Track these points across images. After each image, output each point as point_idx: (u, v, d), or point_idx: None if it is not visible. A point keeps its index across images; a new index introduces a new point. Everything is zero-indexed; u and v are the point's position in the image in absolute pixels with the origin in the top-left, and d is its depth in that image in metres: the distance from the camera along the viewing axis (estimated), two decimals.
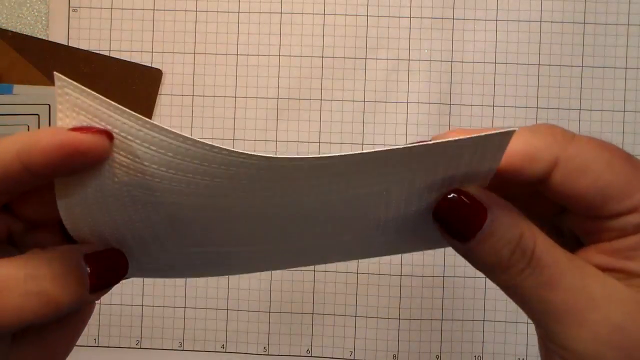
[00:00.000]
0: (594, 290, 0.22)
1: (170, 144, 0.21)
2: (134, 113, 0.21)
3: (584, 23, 0.47)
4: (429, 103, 0.47)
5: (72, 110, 0.22)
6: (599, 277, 0.22)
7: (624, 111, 0.47)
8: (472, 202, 0.23)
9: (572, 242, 0.25)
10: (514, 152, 0.22)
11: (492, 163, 0.22)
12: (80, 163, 0.22)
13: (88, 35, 0.48)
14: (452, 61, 0.47)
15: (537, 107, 0.47)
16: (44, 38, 0.48)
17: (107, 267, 0.24)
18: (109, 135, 0.22)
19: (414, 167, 0.22)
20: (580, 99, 0.47)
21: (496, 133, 0.21)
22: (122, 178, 0.22)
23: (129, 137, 0.21)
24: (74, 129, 0.22)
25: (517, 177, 0.23)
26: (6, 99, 0.46)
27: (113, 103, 0.21)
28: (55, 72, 0.22)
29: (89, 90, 0.22)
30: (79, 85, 0.22)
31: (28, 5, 0.48)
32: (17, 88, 0.47)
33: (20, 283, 0.22)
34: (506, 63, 0.47)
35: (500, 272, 0.23)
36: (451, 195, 0.23)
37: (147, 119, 0.21)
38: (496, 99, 0.47)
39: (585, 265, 0.23)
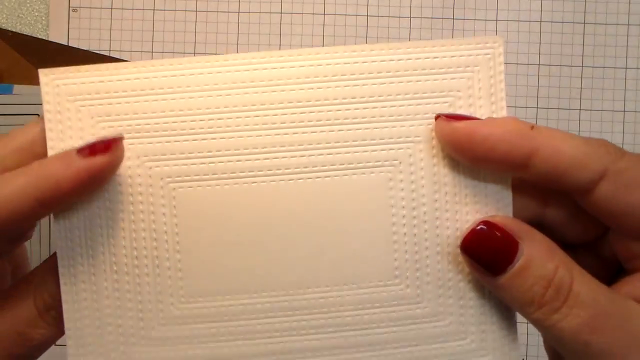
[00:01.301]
0: (637, 330, 0.21)
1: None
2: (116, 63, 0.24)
3: (584, 23, 0.47)
4: None
5: (59, 102, 0.23)
6: None
7: (624, 111, 0.47)
8: (503, 234, 0.22)
9: (612, 266, 0.24)
10: (562, 153, 0.21)
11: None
12: (98, 184, 0.22)
13: (88, 35, 0.48)
14: None
15: (537, 107, 0.47)
16: (44, 38, 0.48)
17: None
18: (117, 143, 0.22)
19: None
20: (580, 99, 0.47)
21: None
22: None
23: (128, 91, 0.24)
24: (84, 151, 0.22)
25: (562, 182, 0.22)
26: (6, 99, 0.46)
27: (96, 67, 0.24)
28: (39, 69, 0.24)
29: (72, 68, 0.24)
30: (62, 68, 0.24)
31: (28, 5, 0.48)
32: (17, 88, 0.47)
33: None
34: (506, 63, 0.47)
35: (533, 310, 0.22)
36: (479, 227, 0.22)
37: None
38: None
39: (626, 302, 0.21)
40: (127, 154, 0.24)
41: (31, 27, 0.48)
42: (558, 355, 0.23)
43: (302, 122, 0.24)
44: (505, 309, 0.24)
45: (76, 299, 0.24)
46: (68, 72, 0.24)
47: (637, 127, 0.47)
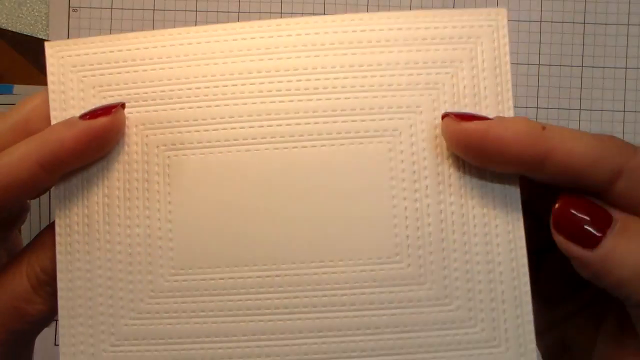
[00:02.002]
0: None
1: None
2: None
3: (584, 23, 0.47)
4: None
5: (63, 73, 0.24)
6: None
7: (624, 111, 0.47)
8: (590, 204, 0.21)
9: None
10: (577, 154, 0.21)
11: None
12: (103, 146, 0.23)
13: (88, 35, 0.48)
14: None
15: (537, 107, 0.47)
16: (44, 38, 0.48)
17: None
18: (117, 108, 0.23)
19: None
20: (580, 99, 0.47)
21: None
22: None
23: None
24: (85, 116, 0.22)
25: (578, 182, 0.21)
26: (6, 99, 0.46)
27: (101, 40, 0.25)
28: (46, 42, 0.24)
29: (77, 40, 0.24)
30: (68, 40, 0.24)
31: (28, 5, 0.48)
32: (17, 88, 0.47)
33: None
34: None
35: None
36: (560, 203, 0.21)
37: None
38: None
39: None
40: (126, 122, 0.24)
41: (31, 27, 0.48)
42: (553, 352, 0.23)
43: (299, 90, 0.24)
44: (519, 294, 0.23)
45: (70, 269, 0.24)
46: (72, 44, 0.25)
47: (637, 127, 0.47)
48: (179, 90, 0.24)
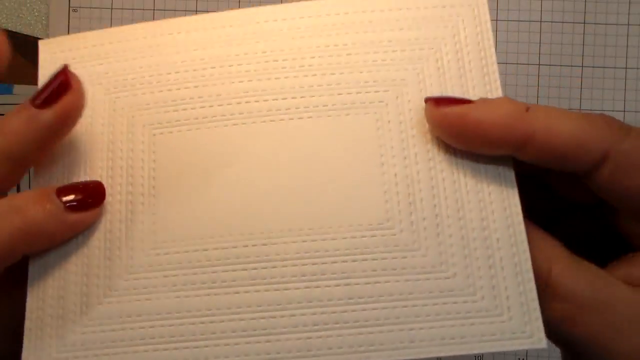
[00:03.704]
0: (622, 318, 0.20)
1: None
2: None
3: (584, 23, 0.47)
4: None
5: (53, 70, 0.23)
6: (630, 301, 0.20)
7: (624, 111, 0.47)
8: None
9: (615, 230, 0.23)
10: (560, 135, 0.20)
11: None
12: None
13: None
14: None
15: None
16: (43, 38, 0.48)
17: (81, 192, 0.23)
18: (69, 85, 0.23)
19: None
20: (580, 99, 0.47)
21: None
22: None
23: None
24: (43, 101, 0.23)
25: (562, 165, 0.21)
26: (6, 99, 0.46)
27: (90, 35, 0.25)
28: (39, 40, 0.26)
29: (68, 37, 0.25)
30: (59, 38, 0.25)
31: (28, 5, 0.48)
32: (17, 88, 0.47)
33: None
34: (506, 63, 0.47)
35: None
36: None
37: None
38: None
39: (611, 288, 0.21)
40: (112, 106, 0.24)
41: (31, 27, 0.48)
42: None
43: (285, 68, 0.24)
44: (518, 260, 0.22)
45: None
46: (63, 41, 0.26)
47: None
48: (167, 74, 0.25)
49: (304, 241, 0.22)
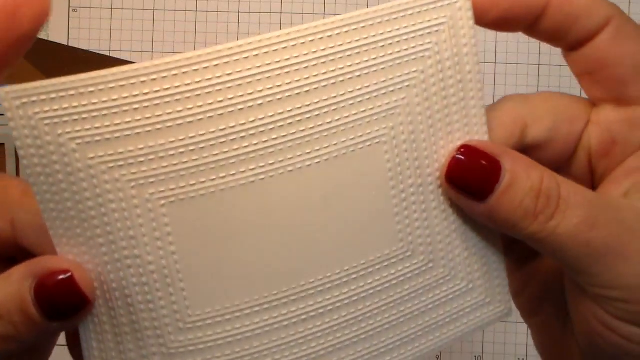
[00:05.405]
0: (631, 221, 0.21)
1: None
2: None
3: None
4: None
5: (30, 134, 0.20)
6: (632, 207, 0.22)
7: None
8: (483, 155, 0.22)
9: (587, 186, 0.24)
10: (575, 1, 0.22)
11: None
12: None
13: (88, 35, 0.48)
14: None
15: None
16: (44, 38, 0.48)
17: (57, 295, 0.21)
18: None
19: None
20: None
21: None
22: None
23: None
24: None
25: (572, 29, 0.23)
26: None
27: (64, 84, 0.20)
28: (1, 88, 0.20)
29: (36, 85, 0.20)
30: (27, 85, 0.20)
31: None
32: None
33: None
34: (506, 63, 0.47)
35: (528, 223, 0.22)
36: (458, 155, 0.22)
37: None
38: (496, 99, 0.47)
39: (614, 198, 0.22)
40: (109, 177, 0.21)
41: None
42: (586, 305, 0.23)
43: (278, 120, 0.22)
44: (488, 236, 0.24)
45: None
46: (40, 94, 0.20)
47: None
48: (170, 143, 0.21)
49: (338, 285, 0.22)
